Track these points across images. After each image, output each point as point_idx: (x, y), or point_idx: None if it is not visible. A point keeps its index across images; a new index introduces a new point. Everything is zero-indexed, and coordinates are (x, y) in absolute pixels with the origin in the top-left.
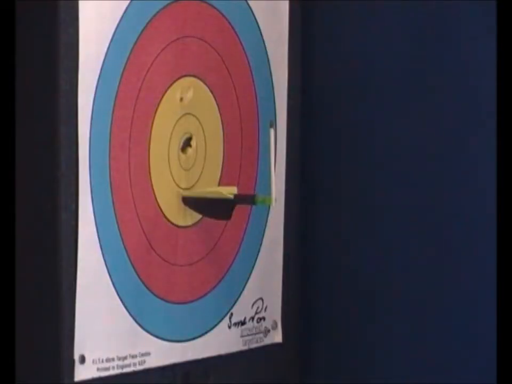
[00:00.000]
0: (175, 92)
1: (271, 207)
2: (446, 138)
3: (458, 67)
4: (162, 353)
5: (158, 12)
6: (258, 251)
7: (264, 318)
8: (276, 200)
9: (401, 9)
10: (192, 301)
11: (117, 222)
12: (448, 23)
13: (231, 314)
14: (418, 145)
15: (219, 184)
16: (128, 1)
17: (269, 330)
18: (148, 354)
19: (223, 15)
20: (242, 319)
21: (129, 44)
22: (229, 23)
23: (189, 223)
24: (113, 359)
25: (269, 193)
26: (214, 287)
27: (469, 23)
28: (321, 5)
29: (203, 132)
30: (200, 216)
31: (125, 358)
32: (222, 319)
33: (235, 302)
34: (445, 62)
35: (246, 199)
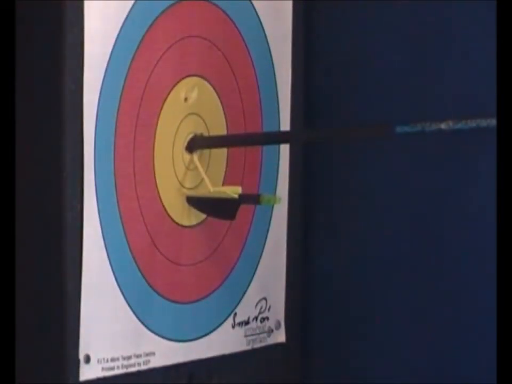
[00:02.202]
0: (179, 92)
1: (274, 207)
2: (446, 138)
3: (458, 67)
4: (166, 353)
5: (162, 12)
6: (262, 251)
7: (267, 318)
8: (280, 200)
9: (403, 9)
10: (196, 301)
11: (122, 222)
12: (448, 23)
13: (235, 314)
14: (418, 145)
15: (223, 184)
16: (133, 1)
17: (272, 330)
18: (152, 354)
19: (227, 15)
20: (246, 319)
21: (134, 43)
22: (233, 22)
23: (193, 222)
24: (118, 359)
25: (274, 193)
26: (218, 287)
27: (469, 23)
28: (324, 5)
29: (208, 131)
30: (204, 216)
31: (129, 357)
32: (226, 318)
33: (239, 302)
34: (445, 62)
35: (250, 198)
